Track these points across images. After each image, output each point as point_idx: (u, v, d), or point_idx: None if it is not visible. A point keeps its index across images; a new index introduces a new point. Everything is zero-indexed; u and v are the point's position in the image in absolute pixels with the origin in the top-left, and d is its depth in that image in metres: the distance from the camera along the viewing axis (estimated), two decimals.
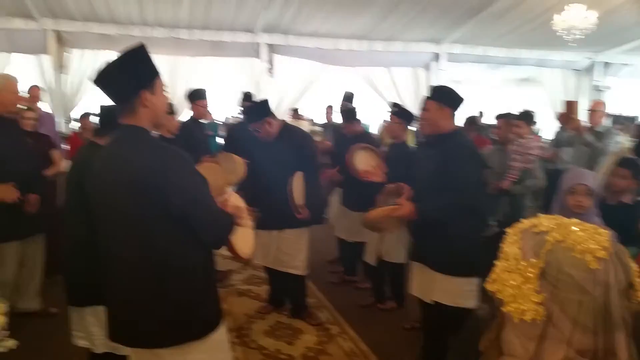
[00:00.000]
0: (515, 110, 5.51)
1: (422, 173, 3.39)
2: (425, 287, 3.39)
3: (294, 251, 4.21)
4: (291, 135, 4.16)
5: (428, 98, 3.38)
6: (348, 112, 5.21)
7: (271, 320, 4.43)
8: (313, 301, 4.66)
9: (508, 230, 1.37)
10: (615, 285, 1.20)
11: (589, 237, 1.22)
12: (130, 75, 2.04)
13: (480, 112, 10.24)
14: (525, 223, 1.34)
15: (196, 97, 5.17)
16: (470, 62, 11.04)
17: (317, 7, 8.55)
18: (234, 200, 2.62)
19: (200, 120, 5.42)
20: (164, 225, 2.03)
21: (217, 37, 9.39)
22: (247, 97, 6.11)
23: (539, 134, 11.26)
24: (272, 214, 3.82)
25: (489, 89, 13.26)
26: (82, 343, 2.96)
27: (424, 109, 3.37)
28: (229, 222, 2.23)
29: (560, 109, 8.76)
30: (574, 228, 1.26)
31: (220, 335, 2.28)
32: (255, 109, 4.23)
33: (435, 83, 10.51)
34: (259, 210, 2.95)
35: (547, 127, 9.76)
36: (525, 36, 9.85)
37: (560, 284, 1.21)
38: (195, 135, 4.80)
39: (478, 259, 3.03)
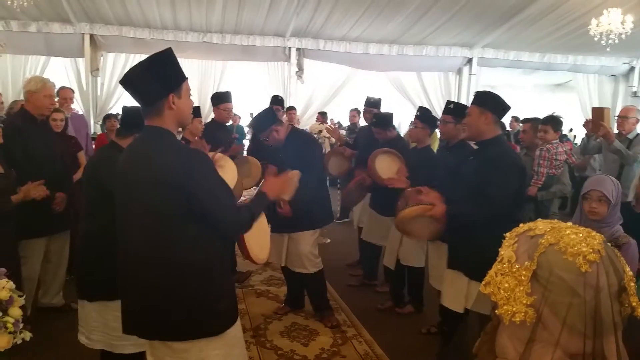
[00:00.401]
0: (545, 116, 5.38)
1: (457, 177, 3.36)
2: (459, 296, 3.32)
3: (301, 252, 4.25)
4: (296, 139, 4.23)
5: (471, 103, 3.34)
6: (383, 119, 5.14)
7: (288, 321, 4.44)
8: (331, 303, 4.65)
9: (506, 234, 1.37)
10: (606, 288, 1.18)
11: (582, 240, 1.21)
12: (158, 78, 2.09)
13: (516, 118, 10.13)
14: (522, 227, 1.35)
15: (220, 100, 5.20)
16: (503, 67, 10.93)
17: (347, 12, 8.60)
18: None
19: (225, 123, 5.46)
20: (185, 224, 2.08)
21: (248, 41, 9.53)
22: (276, 100, 6.13)
23: (572, 140, 11.09)
24: (281, 216, 4.02)
25: (522, 94, 13.07)
26: (82, 340, 3.00)
27: (466, 113, 3.34)
28: (247, 218, 2.27)
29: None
30: (567, 231, 1.24)
31: (236, 332, 2.32)
32: (261, 119, 4.28)
33: (466, 88, 10.47)
34: (270, 212, 3.03)
35: (582, 134, 9.60)
36: (559, 41, 9.72)
37: (551, 285, 1.20)
38: (217, 137, 4.82)
39: None
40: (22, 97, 5.25)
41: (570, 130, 13.78)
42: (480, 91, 3.50)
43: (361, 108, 6.20)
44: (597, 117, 5.07)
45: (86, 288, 2.88)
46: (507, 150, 3.29)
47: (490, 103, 3.24)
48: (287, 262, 4.34)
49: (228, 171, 4.16)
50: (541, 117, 5.27)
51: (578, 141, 10.47)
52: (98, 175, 2.79)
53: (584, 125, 5.42)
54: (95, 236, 2.79)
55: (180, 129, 4.84)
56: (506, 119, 10.56)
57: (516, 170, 3.18)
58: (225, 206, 2.16)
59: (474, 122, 3.23)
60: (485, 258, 3.05)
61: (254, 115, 4.84)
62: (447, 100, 4.31)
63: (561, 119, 5.16)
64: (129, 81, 2.11)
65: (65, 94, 5.90)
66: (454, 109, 4.05)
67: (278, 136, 4.13)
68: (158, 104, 2.09)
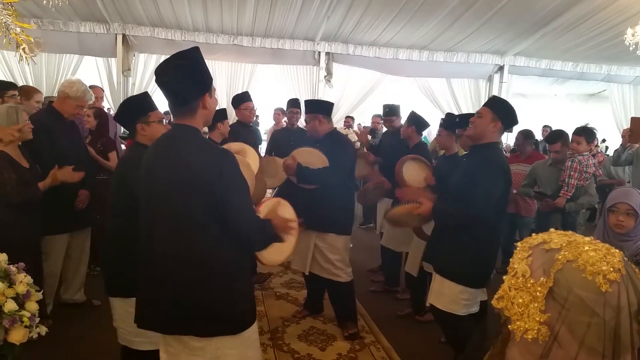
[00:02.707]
0: (577, 126, 5.25)
1: (452, 177, 3.47)
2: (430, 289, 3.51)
3: (334, 259, 4.18)
4: (334, 139, 4.22)
5: (486, 105, 3.39)
6: (420, 123, 5.06)
7: (306, 325, 4.43)
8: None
9: (518, 244, 1.32)
10: (627, 308, 1.13)
11: (601, 258, 1.16)
12: (197, 79, 2.12)
13: (547, 127, 9.98)
14: (535, 238, 1.29)
15: (240, 101, 5.22)
16: (534, 76, 10.76)
17: (378, 17, 8.56)
18: (284, 212, 2.72)
19: (249, 123, 5.48)
20: (209, 223, 2.09)
21: (277, 45, 9.55)
22: (293, 103, 6.11)
23: (604, 152, 10.84)
24: (309, 215, 3.82)
25: (554, 103, 12.85)
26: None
27: (477, 113, 3.35)
28: (262, 226, 2.28)
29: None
30: (585, 247, 1.20)
31: (252, 333, 2.32)
32: (317, 102, 4.34)
33: (497, 95, 10.35)
34: (298, 211, 3.04)
35: (615, 145, 9.41)
36: (593, 50, 9.55)
37: (569, 304, 1.15)
38: (242, 137, 4.84)
39: (481, 272, 3.28)
40: (55, 94, 5.34)
41: (603, 141, 13.49)
42: (500, 98, 3.58)
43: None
44: (637, 127, 4.97)
45: (108, 284, 2.90)
46: (496, 155, 3.32)
47: (506, 114, 3.29)
48: (314, 268, 4.28)
49: (246, 161, 4.14)
50: (573, 127, 5.14)
51: (610, 152, 10.26)
52: (125, 175, 2.79)
53: (622, 135, 5.30)
54: (117, 235, 2.80)
55: (206, 130, 4.92)
56: (537, 128, 10.42)
57: (501, 175, 3.22)
58: (246, 212, 2.17)
59: (483, 124, 3.27)
60: (455, 257, 3.24)
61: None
62: (447, 113, 4.31)
63: (595, 130, 5.04)
64: (166, 81, 2.12)
65: (96, 93, 5.99)
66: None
67: (319, 126, 4.15)
68: (193, 103, 2.12)
